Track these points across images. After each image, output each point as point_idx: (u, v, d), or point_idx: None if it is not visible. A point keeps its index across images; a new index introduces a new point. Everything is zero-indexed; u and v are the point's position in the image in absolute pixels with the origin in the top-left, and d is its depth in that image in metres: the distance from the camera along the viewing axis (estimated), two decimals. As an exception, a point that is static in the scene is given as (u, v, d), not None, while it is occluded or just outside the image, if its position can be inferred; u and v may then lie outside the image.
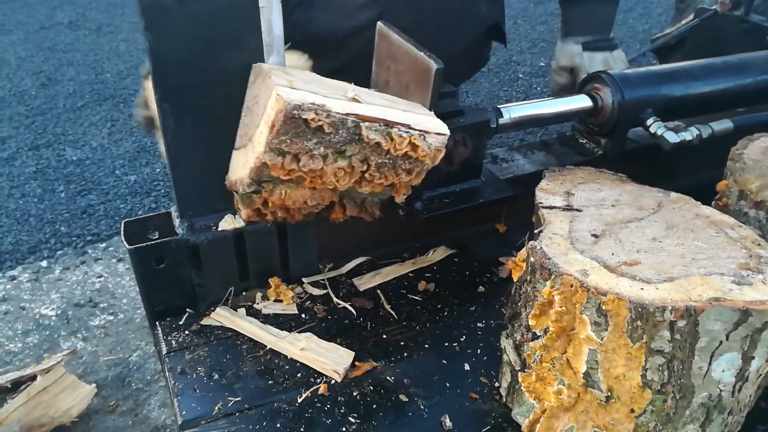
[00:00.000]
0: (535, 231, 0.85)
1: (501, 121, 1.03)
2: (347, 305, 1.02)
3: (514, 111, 1.04)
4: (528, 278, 0.77)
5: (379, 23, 0.97)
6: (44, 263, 2.63)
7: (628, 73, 1.13)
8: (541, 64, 4.52)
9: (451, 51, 1.37)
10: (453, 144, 0.95)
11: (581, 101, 1.12)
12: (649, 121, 1.10)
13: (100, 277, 2.53)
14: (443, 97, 0.96)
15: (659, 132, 1.09)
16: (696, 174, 1.20)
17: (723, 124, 1.15)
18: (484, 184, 1.04)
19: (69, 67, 4.29)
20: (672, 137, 1.08)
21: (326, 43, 1.20)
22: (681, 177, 1.20)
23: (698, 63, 1.19)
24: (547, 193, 0.90)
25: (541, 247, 0.76)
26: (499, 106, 1.04)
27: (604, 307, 0.69)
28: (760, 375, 0.74)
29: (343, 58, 1.18)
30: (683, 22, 1.57)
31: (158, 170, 3.16)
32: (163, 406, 2.04)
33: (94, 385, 1.94)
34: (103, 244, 2.71)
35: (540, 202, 0.88)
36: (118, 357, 2.17)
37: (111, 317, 2.34)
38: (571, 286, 0.71)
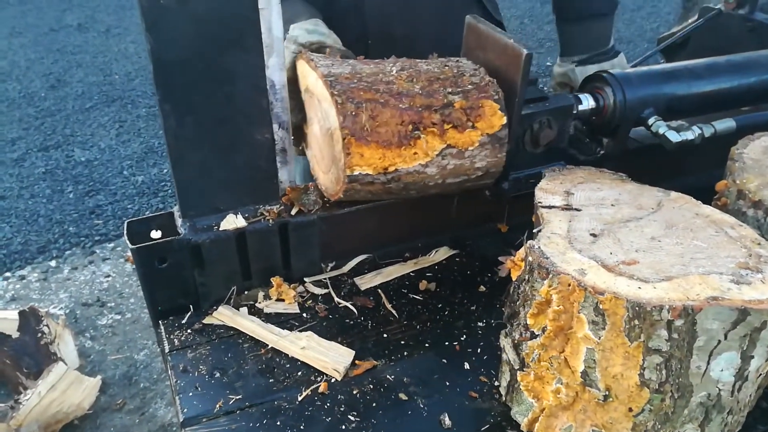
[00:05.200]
0: (534, 230, 0.85)
1: (580, 107, 1.08)
2: (348, 304, 1.02)
3: (590, 99, 1.08)
4: (526, 277, 0.77)
5: (467, 17, 1.03)
6: (53, 263, 2.66)
7: (630, 72, 1.13)
8: (548, 63, 4.51)
9: None
10: (539, 126, 1.00)
11: (583, 101, 1.12)
12: (651, 121, 1.10)
13: (108, 276, 2.56)
14: (530, 84, 1.00)
15: (661, 131, 1.08)
16: (699, 174, 1.20)
17: (726, 124, 1.14)
18: (565, 166, 1.07)
19: (78, 69, 4.34)
20: (674, 136, 1.08)
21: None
22: (684, 176, 1.19)
23: (701, 62, 1.18)
24: (547, 193, 0.90)
25: (539, 247, 0.76)
26: (578, 94, 1.09)
27: (601, 306, 0.69)
28: (760, 374, 0.74)
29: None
30: (689, 21, 1.56)
31: (165, 171, 3.19)
32: (169, 404, 2.06)
33: (99, 377, 1.96)
34: (111, 244, 2.74)
35: (539, 202, 0.88)
36: (125, 356, 2.20)
37: (118, 316, 2.37)
38: (569, 285, 0.71)
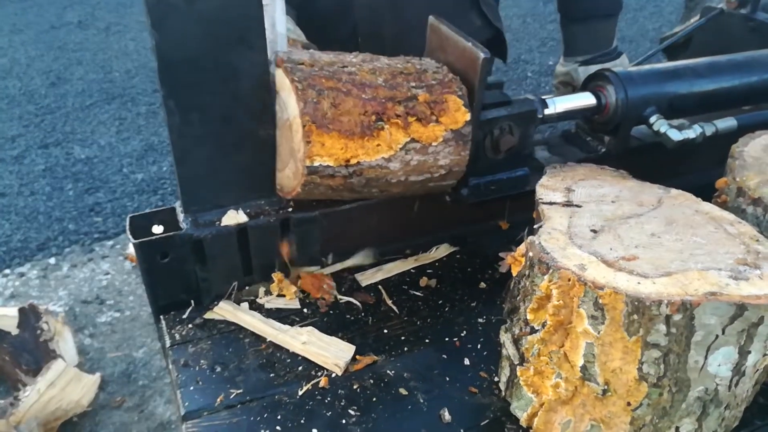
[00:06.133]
0: (535, 226, 0.85)
1: (546, 111, 1.05)
2: (350, 299, 1.03)
3: (559, 102, 1.06)
4: (526, 273, 0.78)
5: (430, 17, 1.00)
6: (52, 260, 2.66)
7: (632, 70, 1.13)
8: (550, 62, 4.52)
9: None
10: (500, 132, 0.98)
11: (585, 99, 1.12)
12: (653, 119, 1.10)
13: (107, 274, 2.56)
14: (492, 88, 0.99)
15: (663, 129, 1.09)
16: (700, 172, 1.20)
17: (727, 122, 1.15)
18: (531, 173, 1.05)
19: (78, 66, 4.34)
20: (675, 135, 1.08)
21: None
22: (685, 175, 1.20)
23: (703, 61, 1.19)
24: (548, 189, 0.90)
25: (540, 242, 0.77)
26: (544, 97, 1.06)
27: (601, 301, 0.69)
28: (758, 370, 0.75)
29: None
30: (692, 20, 1.57)
31: (165, 168, 3.19)
32: (168, 402, 2.07)
33: (98, 374, 1.96)
34: (110, 242, 2.75)
35: (540, 198, 0.88)
36: (124, 353, 2.20)
37: (117, 314, 2.37)
38: (569, 280, 0.71)
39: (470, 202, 1.01)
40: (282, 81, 0.89)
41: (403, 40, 1.28)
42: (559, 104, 1.06)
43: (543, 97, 1.06)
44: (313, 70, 0.88)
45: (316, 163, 0.86)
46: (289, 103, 0.88)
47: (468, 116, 0.92)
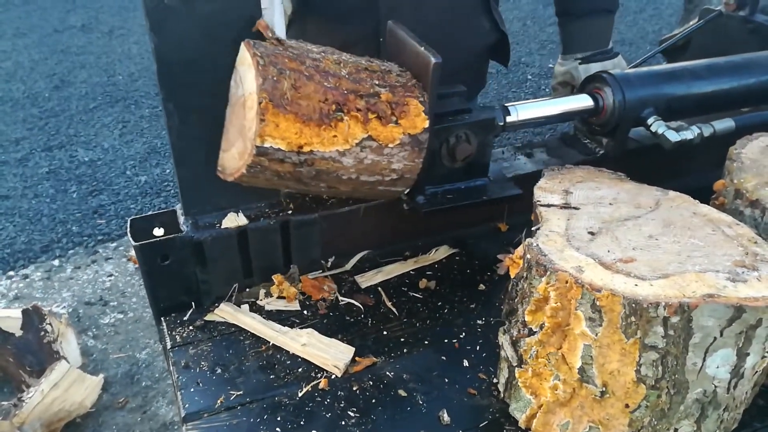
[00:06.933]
0: (533, 229, 0.85)
1: (509, 119, 1.03)
2: (350, 300, 1.03)
3: (522, 109, 1.05)
4: (524, 275, 0.78)
5: (389, 22, 0.98)
6: (56, 262, 2.67)
7: (630, 72, 1.14)
8: (550, 65, 4.52)
9: (452, 65, 1.38)
10: (456, 140, 0.96)
11: (583, 101, 1.13)
12: (651, 120, 1.10)
13: (111, 276, 2.58)
14: (452, 96, 0.98)
15: (660, 131, 1.09)
16: (698, 174, 1.20)
17: (725, 124, 1.15)
18: (490, 182, 1.04)
19: (81, 70, 4.36)
20: (673, 136, 1.09)
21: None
22: (683, 177, 1.20)
23: (701, 63, 1.19)
24: (546, 192, 0.91)
25: (538, 244, 0.77)
26: (507, 105, 1.05)
27: (598, 303, 0.70)
28: (756, 372, 0.75)
29: None
30: (691, 22, 1.57)
31: (168, 171, 3.21)
32: (171, 403, 2.07)
33: (101, 375, 1.97)
34: (114, 244, 2.76)
35: (538, 201, 0.89)
36: (127, 354, 2.20)
37: (121, 315, 2.38)
38: (566, 282, 0.72)
39: (425, 210, 0.98)
40: (243, 56, 0.84)
41: (423, 40, 1.29)
42: (522, 111, 1.04)
43: (507, 104, 1.04)
44: (276, 49, 0.84)
45: (267, 144, 0.81)
46: (246, 79, 0.83)
47: (426, 123, 0.90)
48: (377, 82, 0.89)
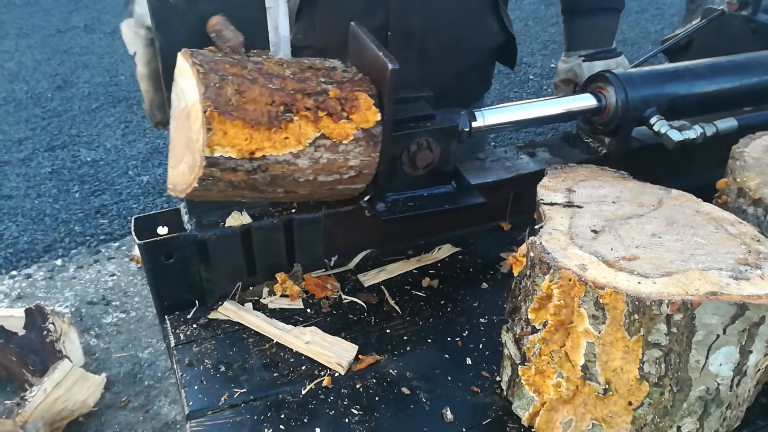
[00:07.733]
0: (536, 227, 0.86)
1: (475, 124, 1.01)
2: (353, 299, 1.03)
3: (488, 114, 1.02)
4: (528, 273, 0.78)
5: (352, 24, 0.95)
6: (59, 262, 2.68)
7: (632, 72, 1.14)
8: (552, 65, 4.52)
9: (460, 67, 1.38)
10: (417, 148, 0.94)
11: (585, 100, 1.13)
12: (653, 120, 1.10)
13: (113, 275, 2.58)
14: (415, 101, 0.95)
15: (663, 130, 1.09)
16: (701, 173, 1.20)
17: (728, 123, 1.15)
18: (454, 190, 1.01)
19: (84, 70, 4.37)
20: (676, 135, 1.09)
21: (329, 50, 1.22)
22: (686, 176, 1.20)
23: (703, 62, 1.19)
24: (549, 190, 0.91)
25: (541, 243, 0.77)
26: (474, 110, 1.02)
27: (601, 301, 0.70)
28: (759, 369, 0.75)
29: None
30: (693, 22, 1.57)
31: (171, 171, 3.21)
32: (173, 402, 2.08)
33: (104, 374, 1.97)
34: (116, 243, 2.76)
35: (541, 199, 0.89)
36: (130, 354, 2.21)
37: (123, 315, 2.39)
38: (570, 280, 0.72)
39: (385, 218, 0.95)
40: (182, 66, 0.81)
41: (431, 37, 1.29)
42: (488, 117, 1.02)
43: (474, 110, 1.01)
44: (215, 56, 0.81)
45: (216, 154, 0.77)
46: (187, 89, 0.80)
47: (378, 116, 0.87)
48: (323, 80, 0.86)
